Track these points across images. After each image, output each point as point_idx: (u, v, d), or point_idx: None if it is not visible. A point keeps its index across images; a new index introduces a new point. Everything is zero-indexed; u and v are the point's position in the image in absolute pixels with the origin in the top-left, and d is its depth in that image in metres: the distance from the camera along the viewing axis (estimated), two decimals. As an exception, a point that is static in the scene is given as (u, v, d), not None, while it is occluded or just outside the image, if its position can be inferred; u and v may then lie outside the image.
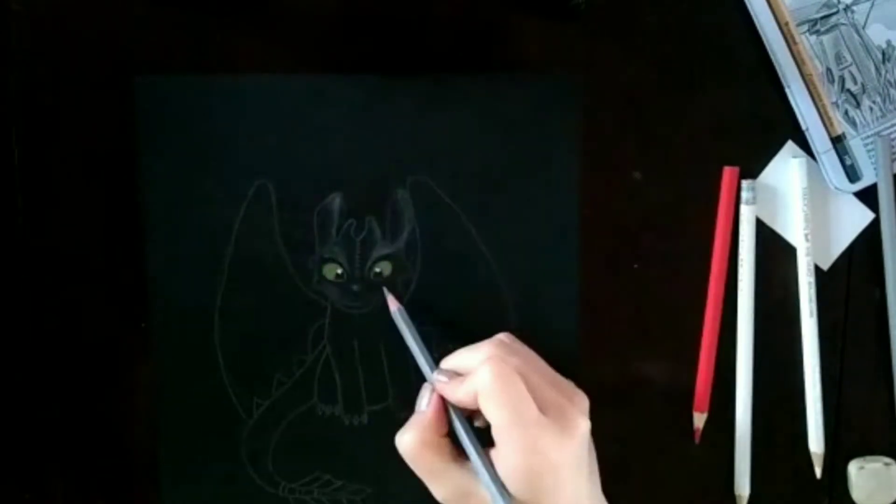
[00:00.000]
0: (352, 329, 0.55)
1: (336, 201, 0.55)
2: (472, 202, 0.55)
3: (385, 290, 0.55)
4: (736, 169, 0.56)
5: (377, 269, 0.55)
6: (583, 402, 0.50)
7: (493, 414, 0.47)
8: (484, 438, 0.49)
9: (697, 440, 0.57)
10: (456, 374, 0.50)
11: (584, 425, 0.48)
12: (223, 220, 0.54)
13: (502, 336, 0.52)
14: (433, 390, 0.50)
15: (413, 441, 0.49)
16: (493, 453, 0.47)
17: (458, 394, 0.48)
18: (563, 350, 0.55)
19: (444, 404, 0.50)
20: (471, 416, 0.50)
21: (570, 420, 0.48)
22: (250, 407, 0.56)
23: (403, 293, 0.55)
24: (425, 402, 0.50)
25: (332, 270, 0.55)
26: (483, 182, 0.55)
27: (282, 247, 0.55)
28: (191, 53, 0.54)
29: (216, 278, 0.55)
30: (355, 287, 0.55)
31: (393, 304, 0.54)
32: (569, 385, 0.50)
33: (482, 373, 0.47)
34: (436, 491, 0.49)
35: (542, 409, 0.47)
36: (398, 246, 0.55)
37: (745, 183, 0.56)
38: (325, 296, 0.55)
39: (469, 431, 0.49)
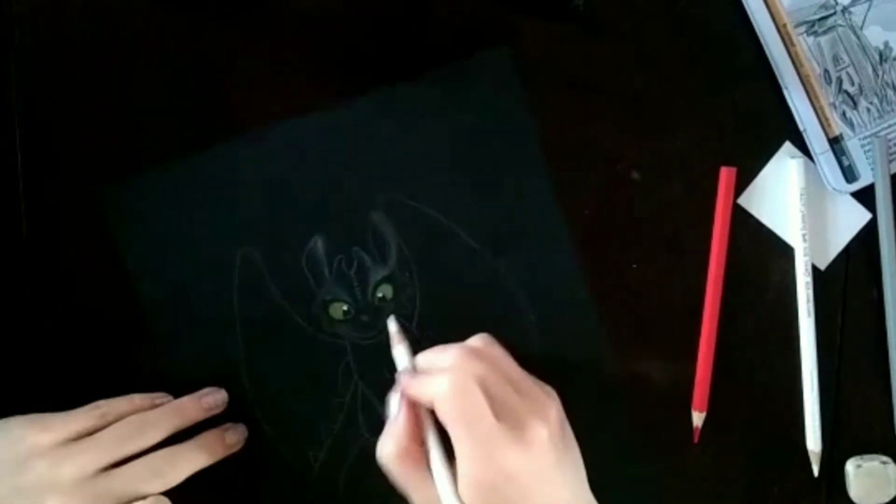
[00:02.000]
0: (376, 358, 0.55)
1: (318, 244, 0.55)
2: (449, 203, 0.55)
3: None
4: (733, 169, 0.56)
5: (379, 294, 0.55)
6: (549, 408, 0.49)
7: (448, 425, 0.47)
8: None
9: (696, 439, 0.58)
10: (419, 374, 0.50)
11: (543, 432, 0.48)
12: (220, 296, 0.54)
13: (476, 339, 0.51)
14: (400, 394, 0.50)
15: (390, 452, 0.49)
16: (456, 464, 0.48)
17: (419, 391, 0.49)
18: (579, 321, 0.56)
19: (416, 410, 0.50)
20: None
21: (529, 428, 0.48)
22: (308, 462, 0.55)
23: (411, 309, 0.55)
24: (394, 407, 0.50)
25: (339, 309, 0.55)
26: (452, 181, 0.55)
27: (283, 302, 0.55)
28: (190, 54, 0.54)
29: (234, 351, 0.55)
30: (365, 318, 0.55)
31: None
32: (538, 391, 0.50)
33: (439, 383, 0.47)
34: (415, 502, 0.49)
35: (502, 416, 0.47)
36: (391, 266, 0.55)
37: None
38: (339, 335, 0.55)
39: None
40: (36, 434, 0.48)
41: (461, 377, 0.47)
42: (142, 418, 0.50)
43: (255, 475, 0.55)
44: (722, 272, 0.57)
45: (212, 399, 0.53)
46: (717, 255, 0.57)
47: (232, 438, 0.53)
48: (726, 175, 0.56)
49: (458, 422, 0.47)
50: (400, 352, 0.53)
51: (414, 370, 0.51)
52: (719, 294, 0.57)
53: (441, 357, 0.50)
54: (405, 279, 0.55)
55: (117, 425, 0.49)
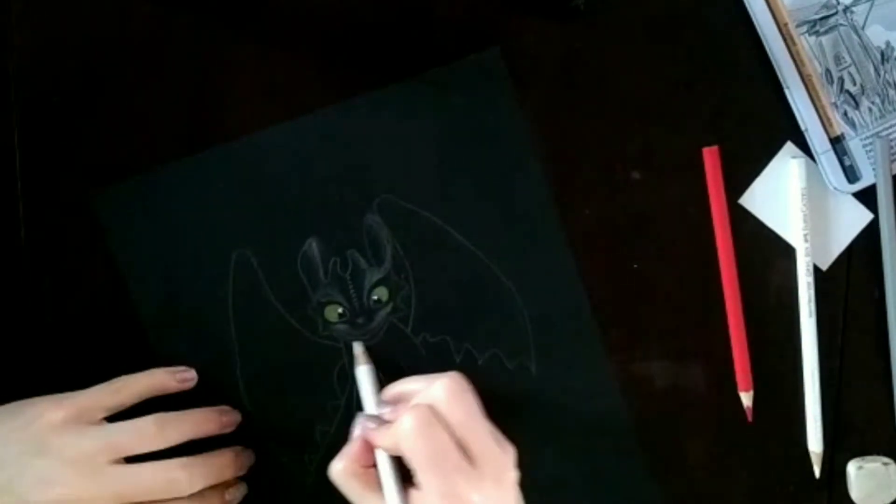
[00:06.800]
0: (373, 361, 0.55)
1: (313, 245, 0.55)
2: (444, 205, 0.55)
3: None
4: (715, 148, 0.56)
5: (375, 297, 0.55)
6: (512, 453, 0.49)
7: (413, 461, 0.47)
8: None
9: (750, 418, 0.57)
10: (383, 421, 0.51)
11: (513, 475, 0.48)
12: (215, 299, 0.54)
13: (445, 379, 0.50)
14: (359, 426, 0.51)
15: (340, 470, 0.50)
16: (419, 494, 0.48)
17: (383, 441, 0.49)
18: (576, 322, 0.56)
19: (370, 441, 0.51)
20: None
21: (501, 467, 0.48)
22: (304, 465, 0.56)
23: (407, 311, 0.55)
24: (357, 432, 0.51)
25: (334, 311, 0.55)
26: (448, 182, 0.55)
27: (278, 305, 0.55)
28: (187, 56, 0.54)
29: (229, 354, 0.55)
30: (360, 320, 0.55)
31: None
32: (499, 435, 0.49)
33: (403, 421, 0.48)
34: None
35: (471, 455, 0.47)
36: (386, 268, 0.55)
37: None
38: (335, 338, 0.55)
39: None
40: (49, 412, 0.48)
41: (422, 416, 0.47)
42: (162, 419, 0.50)
43: (250, 478, 0.55)
44: (731, 249, 0.56)
45: (229, 418, 0.53)
46: (722, 235, 0.56)
47: (245, 462, 0.54)
48: (709, 155, 0.56)
49: (425, 458, 0.47)
50: (363, 372, 0.53)
51: (379, 403, 0.52)
52: (734, 269, 0.56)
53: (412, 387, 0.51)
54: (401, 281, 0.55)
55: (137, 421, 0.49)
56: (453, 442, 0.47)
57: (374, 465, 0.50)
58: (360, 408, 0.55)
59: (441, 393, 0.48)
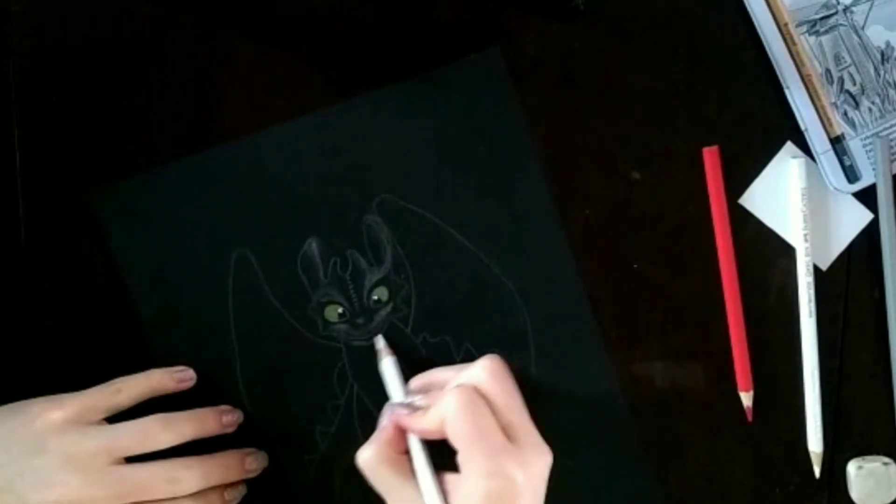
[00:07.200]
0: (371, 360, 0.55)
1: (313, 245, 0.55)
2: (444, 205, 0.55)
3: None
4: (715, 148, 0.56)
5: (375, 297, 0.55)
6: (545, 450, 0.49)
7: (459, 440, 0.47)
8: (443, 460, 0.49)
9: (750, 418, 0.57)
10: (416, 408, 0.50)
11: (550, 455, 0.48)
12: (215, 299, 0.54)
13: (485, 360, 0.50)
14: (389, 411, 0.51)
15: (371, 457, 0.49)
16: (455, 478, 0.47)
17: (423, 424, 0.49)
18: (575, 322, 0.56)
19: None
20: None
21: (541, 448, 0.48)
22: (304, 465, 0.55)
23: (407, 311, 0.55)
24: (386, 419, 0.51)
25: (334, 311, 0.55)
26: (447, 183, 0.55)
27: (278, 305, 0.55)
28: (187, 56, 0.54)
29: (229, 354, 0.55)
30: (360, 320, 0.55)
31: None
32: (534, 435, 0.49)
33: (448, 400, 0.47)
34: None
35: (513, 434, 0.47)
36: (386, 268, 0.55)
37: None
38: (335, 338, 0.55)
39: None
40: (49, 412, 0.48)
41: (467, 394, 0.47)
42: (163, 419, 0.50)
43: (249, 478, 0.55)
44: (731, 249, 0.56)
45: (230, 418, 0.53)
46: (722, 233, 0.56)
47: (252, 464, 0.53)
48: (709, 155, 0.56)
49: (469, 436, 0.47)
50: (388, 363, 0.53)
51: (406, 393, 0.52)
52: (734, 269, 0.56)
53: (447, 375, 0.51)
54: (401, 281, 0.55)
55: (138, 421, 0.49)
56: (496, 422, 0.47)
57: (405, 452, 0.50)
58: (359, 408, 0.55)
59: (483, 374, 0.49)
